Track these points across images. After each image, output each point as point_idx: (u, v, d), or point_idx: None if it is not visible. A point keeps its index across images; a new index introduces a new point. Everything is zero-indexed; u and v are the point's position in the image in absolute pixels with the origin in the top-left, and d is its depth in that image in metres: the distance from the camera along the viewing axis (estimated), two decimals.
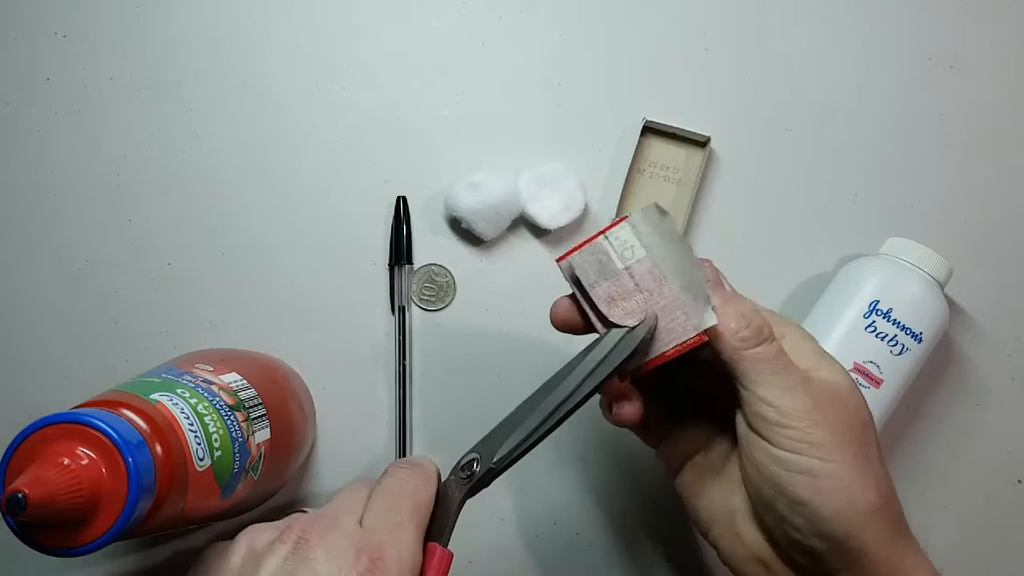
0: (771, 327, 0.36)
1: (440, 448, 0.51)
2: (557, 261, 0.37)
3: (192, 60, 0.52)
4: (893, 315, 0.47)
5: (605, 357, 0.35)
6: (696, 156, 0.53)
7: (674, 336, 0.36)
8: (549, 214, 0.51)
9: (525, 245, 0.53)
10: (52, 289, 0.51)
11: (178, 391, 0.36)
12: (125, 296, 0.51)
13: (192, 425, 0.35)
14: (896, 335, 0.47)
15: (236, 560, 0.33)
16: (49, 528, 0.30)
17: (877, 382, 0.47)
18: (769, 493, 0.35)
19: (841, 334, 0.47)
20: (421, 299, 0.52)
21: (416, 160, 0.53)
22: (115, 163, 0.52)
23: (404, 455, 0.51)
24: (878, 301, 0.47)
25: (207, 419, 0.36)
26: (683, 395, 0.41)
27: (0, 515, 0.29)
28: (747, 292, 0.38)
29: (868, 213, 0.54)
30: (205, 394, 0.37)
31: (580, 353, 0.37)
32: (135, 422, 0.32)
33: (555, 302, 0.39)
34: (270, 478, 0.43)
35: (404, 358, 0.51)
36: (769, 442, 0.35)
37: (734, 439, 0.39)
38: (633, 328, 0.36)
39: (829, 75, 0.54)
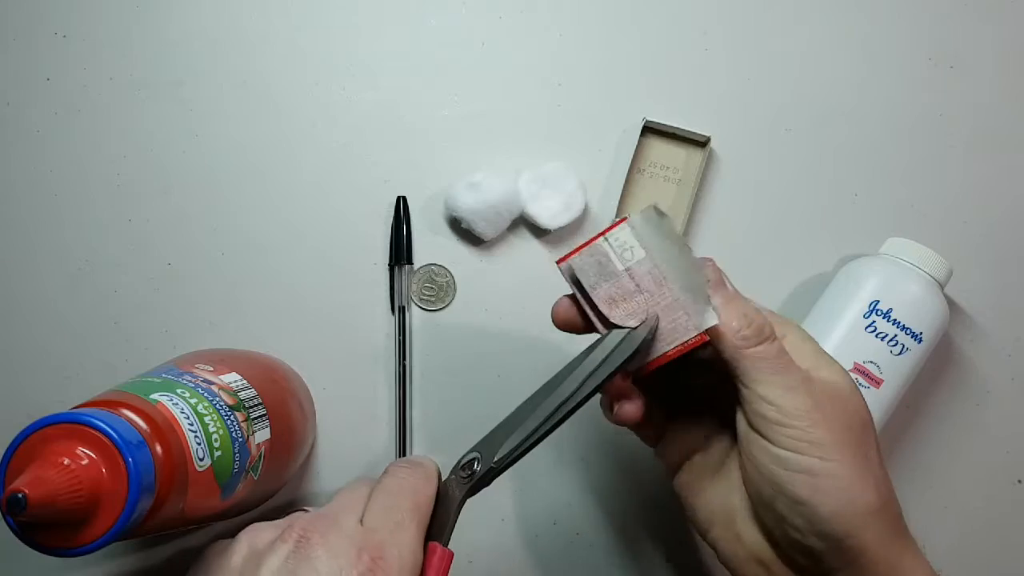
0: (772, 327, 0.36)
1: (440, 448, 0.51)
2: (557, 263, 0.37)
3: (192, 60, 0.52)
4: (893, 315, 0.47)
5: (606, 358, 0.35)
6: (696, 156, 0.53)
7: (676, 336, 0.36)
8: (549, 214, 0.51)
9: (525, 245, 0.53)
10: (52, 289, 0.51)
11: (178, 391, 0.36)
12: (125, 296, 0.51)
13: (192, 425, 0.35)
14: (896, 335, 0.47)
15: (237, 559, 0.33)
16: (49, 528, 0.30)
17: (877, 382, 0.47)
18: (769, 492, 0.35)
19: (841, 334, 0.47)
20: (421, 299, 0.52)
21: (416, 160, 0.53)
22: (115, 163, 0.52)
23: (404, 455, 0.51)
24: (878, 301, 0.47)
25: (207, 419, 0.36)
26: (683, 395, 0.41)
27: (0, 515, 0.29)
28: (747, 292, 0.38)
29: (868, 213, 0.54)
30: (205, 394, 0.37)
31: (581, 353, 0.37)
32: (135, 422, 0.32)
33: (556, 302, 0.39)
34: (270, 478, 0.43)
35: (404, 358, 0.51)
36: (769, 441, 0.35)
37: (733, 439, 0.39)
38: (634, 329, 0.36)
39: (829, 75, 0.54)
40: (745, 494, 0.38)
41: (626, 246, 0.36)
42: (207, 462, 0.35)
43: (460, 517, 0.36)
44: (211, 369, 0.41)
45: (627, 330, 0.36)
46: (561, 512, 0.52)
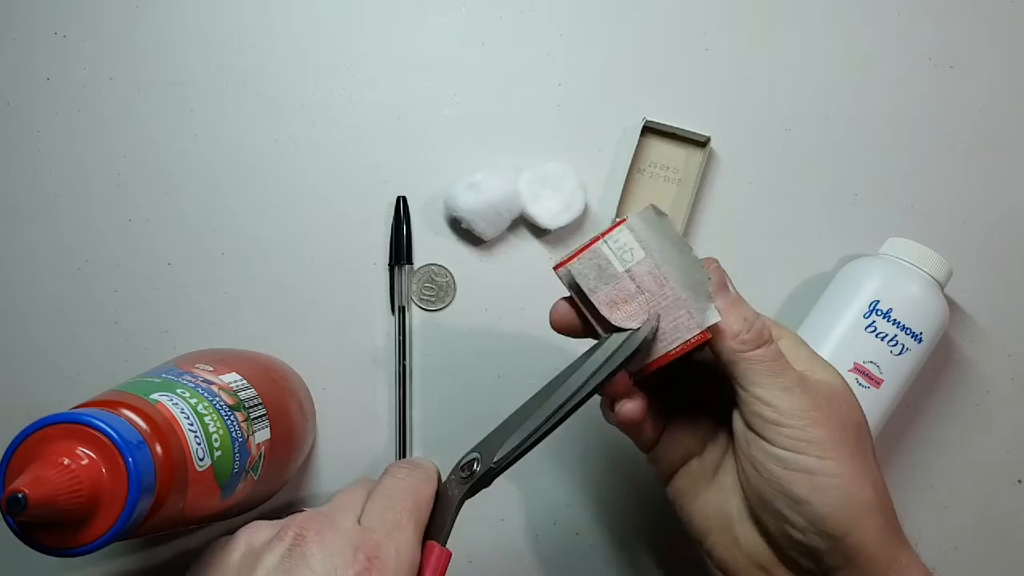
0: (770, 330, 0.36)
1: (440, 448, 0.51)
2: (555, 268, 0.37)
3: (192, 60, 0.52)
4: (893, 315, 0.47)
5: (608, 358, 0.35)
6: (696, 156, 0.53)
7: (677, 335, 0.36)
8: (549, 214, 0.51)
9: (525, 245, 0.53)
10: (52, 289, 0.51)
11: (178, 391, 0.36)
12: (125, 296, 0.51)
13: (192, 425, 0.35)
14: (896, 335, 0.47)
15: (235, 557, 0.33)
16: (49, 528, 0.30)
17: (877, 382, 0.47)
18: (768, 493, 0.35)
19: (841, 334, 0.47)
20: (421, 299, 0.52)
21: (416, 160, 0.53)
22: (115, 163, 0.52)
23: (404, 455, 0.51)
24: (878, 301, 0.47)
25: (207, 419, 0.36)
26: (678, 400, 0.41)
27: (0, 515, 0.29)
28: (747, 292, 0.38)
29: (868, 213, 0.54)
30: (205, 394, 0.37)
31: (583, 355, 0.37)
32: (135, 422, 0.32)
33: (553, 306, 0.39)
34: (270, 478, 0.43)
35: (404, 358, 0.51)
36: (768, 441, 0.35)
37: (728, 444, 0.39)
38: (636, 330, 0.36)
39: (829, 75, 0.54)
40: (742, 498, 0.38)
41: (626, 248, 0.36)
42: (207, 462, 0.35)
43: (460, 517, 0.36)
44: (211, 369, 0.41)
45: (629, 331, 0.36)
46: (561, 512, 0.52)
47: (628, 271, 0.36)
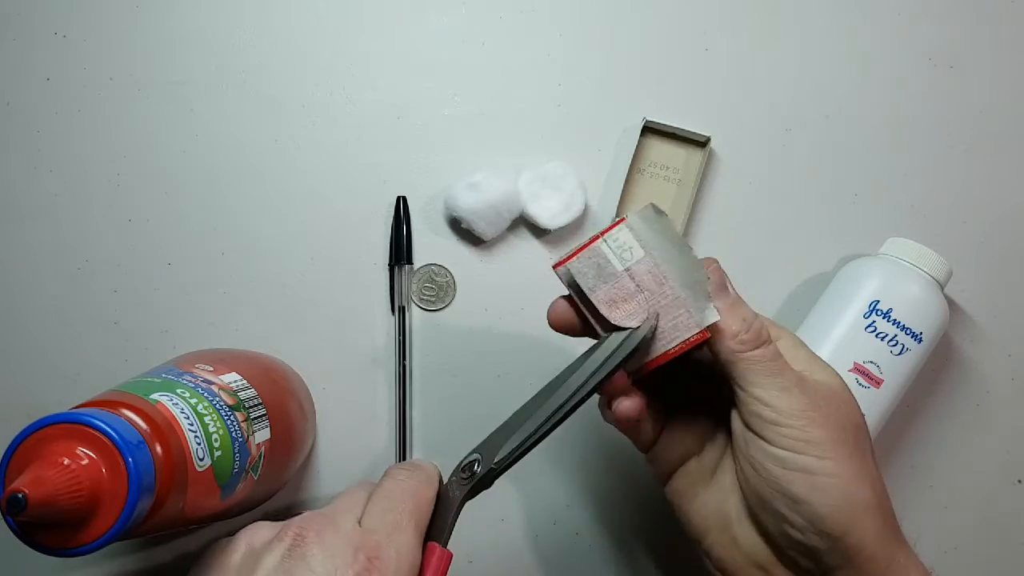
0: (768, 331, 0.36)
1: (440, 448, 0.51)
2: (554, 267, 0.37)
3: (192, 60, 0.52)
4: (893, 315, 0.47)
5: (608, 357, 0.35)
6: (696, 156, 0.53)
7: (676, 334, 0.36)
8: (549, 214, 0.51)
9: (525, 245, 0.53)
10: (52, 289, 0.51)
11: (178, 391, 0.36)
12: (125, 296, 0.51)
13: (192, 425, 0.35)
14: (896, 335, 0.47)
15: (235, 558, 0.33)
16: (49, 528, 0.30)
17: (877, 382, 0.47)
18: (767, 493, 0.35)
19: (841, 334, 0.47)
20: (421, 299, 0.52)
21: (416, 160, 0.53)
22: (115, 163, 0.52)
23: (404, 455, 0.51)
24: (878, 301, 0.47)
25: (207, 419, 0.36)
26: (676, 400, 0.41)
27: (0, 515, 0.29)
28: (747, 292, 0.38)
29: (868, 213, 0.54)
30: (205, 394, 0.37)
31: (583, 355, 0.37)
32: (135, 422, 0.32)
33: (552, 304, 0.39)
34: (270, 478, 0.43)
35: (404, 358, 0.51)
36: (767, 441, 0.35)
37: (726, 444, 0.39)
38: (635, 329, 0.36)
39: (829, 75, 0.54)
40: (740, 498, 0.38)
41: (625, 246, 0.36)
42: (207, 462, 0.35)
43: (460, 518, 0.36)
44: (211, 369, 0.41)
45: (628, 330, 0.36)
46: (561, 512, 0.52)
47: (627, 270, 0.36)
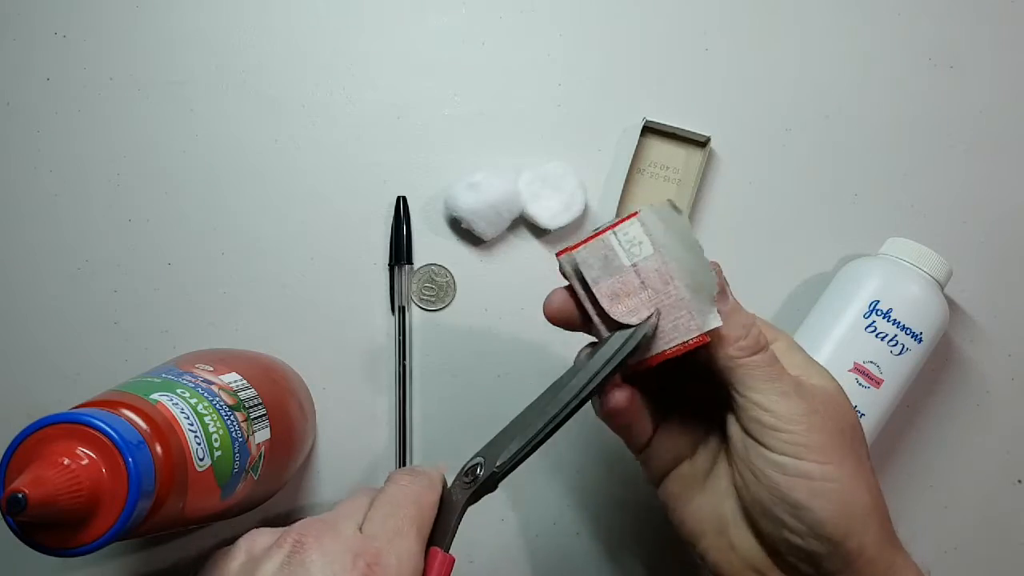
0: (766, 337, 0.36)
1: (440, 448, 0.51)
2: (558, 255, 0.36)
3: (192, 60, 0.52)
4: (893, 315, 0.47)
5: (611, 357, 0.35)
6: (696, 156, 0.53)
7: (676, 336, 0.35)
8: (549, 214, 0.51)
9: (525, 245, 0.53)
10: (52, 289, 0.51)
11: (178, 391, 0.36)
12: (125, 296, 0.51)
13: (192, 425, 0.35)
14: (896, 335, 0.47)
15: (235, 565, 0.33)
16: (49, 528, 0.30)
17: (877, 382, 0.47)
18: (767, 499, 0.35)
19: (841, 334, 0.47)
20: (421, 299, 0.52)
21: (416, 160, 0.53)
22: (115, 163, 0.52)
23: (404, 455, 0.51)
24: (878, 301, 0.47)
25: (207, 419, 0.36)
26: (671, 401, 0.40)
27: (0, 515, 0.29)
28: (747, 292, 0.38)
29: (868, 213, 0.54)
30: (205, 394, 0.37)
31: (585, 356, 0.36)
32: (135, 422, 0.32)
33: (550, 294, 0.38)
34: (270, 478, 0.43)
35: (404, 358, 0.51)
36: (766, 447, 0.35)
37: (720, 446, 0.39)
38: (636, 326, 0.35)
39: (829, 75, 0.54)
40: (736, 501, 0.38)
41: (635, 241, 0.35)
42: (207, 462, 0.35)
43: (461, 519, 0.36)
44: (211, 369, 0.41)
45: (631, 330, 0.35)
46: (561, 512, 0.52)
47: (634, 265, 0.35)
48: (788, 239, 0.54)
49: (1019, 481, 0.53)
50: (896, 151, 0.54)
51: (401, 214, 0.51)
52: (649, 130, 0.52)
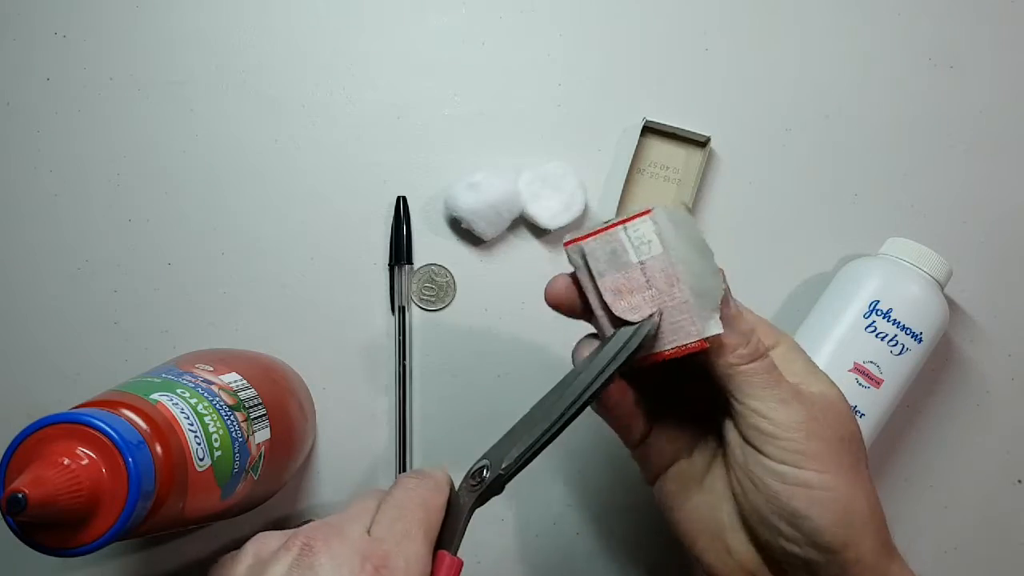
0: (767, 343, 0.36)
1: (440, 448, 0.51)
2: (565, 244, 0.36)
3: (192, 60, 0.52)
4: (893, 315, 0.47)
5: (615, 355, 0.35)
6: (696, 156, 0.53)
7: (674, 338, 0.35)
8: (549, 214, 0.51)
9: (525, 245, 0.53)
10: (52, 289, 0.51)
11: (178, 391, 0.36)
12: (125, 296, 0.51)
13: (192, 425, 0.35)
14: (896, 335, 0.47)
15: (242, 568, 0.33)
16: (49, 528, 0.30)
17: (877, 382, 0.47)
18: (765, 507, 0.35)
19: (841, 334, 0.47)
20: (421, 299, 0.52)
21: (416, 160, 0.53)
22: (115, 163, 0.52)
23: (404, 455, 0.51)
24: (878, 301, 0.47)
25: (207, 419, 0.36)
26: (667, 400, 0.40)
27: (0, 515, 0.28)
28: (747, 292, 0.38)
29: (868, 213, 0.54)
30: (205, 394, 0.37)
31: (587, 357, 0.36)
32: (135, 422, 0.32)
33: (553, 279, 0.37)
34: (270, 478, 0.43)
35: (404, 358, 0.51)
36: (765, 455, 0.34)
37: (717, 448, 0.39)
38: (637, 324, 0.35)
39: (829, 75, 0.54)
40: (733, 506, 0.37)
41: (644, 239, 0.35)
42: (207, 462, 0.35)
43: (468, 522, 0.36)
44: (211, 369, 0.41)
45: (634, 327, 0.35)
46: (561, 512, 0.52)
47: (641, 263, 0.35)
48: (788, 239, 0.54)
49: (1019, 481, 0.53)
50: (896, 151, 0.54)
51: (401, 214, 0.51)
52: (649, 130, 0.52)
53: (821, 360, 0.47)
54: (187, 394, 0.36)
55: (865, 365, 0.47)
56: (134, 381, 0.37)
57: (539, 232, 0.53)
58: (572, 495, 0.52)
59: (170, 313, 0.51)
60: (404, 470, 0.50)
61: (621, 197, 0.52)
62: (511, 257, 0.53)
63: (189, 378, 0.38)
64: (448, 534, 0.35)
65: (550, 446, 0.35)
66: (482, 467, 0.35)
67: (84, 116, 0.52)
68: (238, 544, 0.34)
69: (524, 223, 0.53)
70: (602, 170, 0.53)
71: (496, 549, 0.51)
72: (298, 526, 0.34)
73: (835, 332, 0.48)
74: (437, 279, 0.52)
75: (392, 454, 0.51)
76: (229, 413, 0.38)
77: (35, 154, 0.51)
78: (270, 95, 0.52)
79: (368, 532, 0.33)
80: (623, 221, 0.35)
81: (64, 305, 0.51)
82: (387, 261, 0.52)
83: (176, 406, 0.35)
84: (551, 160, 0.52)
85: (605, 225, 0.35)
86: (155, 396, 0.35)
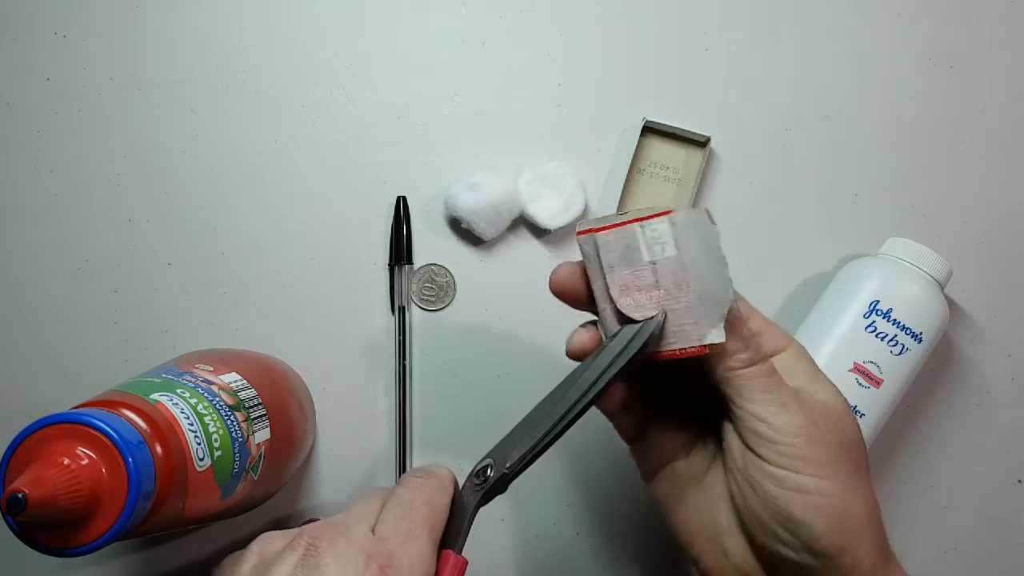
0: (768, 349, 0.36)
1: (440, 448, 0.51)
2: (579, 232, 0.36)
3: (192, 60, 0.52)
4: (893, 315, 0.47)
5: (619, 353, 0.34)
6: (696, 156, 0.53)
7: (676, 340, 0.35)
8: (549, 214, 0.51)
9: (525, 245, 0.53)
10: (52, 289, 0.51)
11: (178, 391, 0.36)
12: (125, 296, 0.51)
13: (192, 425, 0.35)
14: (896, 335, 0.47)
15: (247, 568, 0.33)
16: (49, 528, 0.30)
17: (877, 382, 0.47)
18: (762, 511, 0.35)
19: (841, 334, 0.47)
20: (421, 299, 0.52)
21: (416, 160, 0.53)
22: (115, 163, 0.52)
23: (404, 455, 0.51)
24: (878, 301, 0.47)
25: (207, 419, 0.36)
26: (666, 397, 0.40)
27: (0, 515, 0.28)
28: (747, 292, 0.38)
29: (868, 213, 0.54)
30: (205, 394, 0.37)
31: (590, 357, 0.36)
32: (135, 422, 0.32)
33: (560, 265, 0.37)
34: (270, 478, 0.43)
35: (404, 358, 0.51)
36: (764, 459, 0.34)
37: (716, 449, 0.39)
38: (642, 322, 0.35)
39: (829, 75, 0.54)
40: (731, 509, 0.37)
41: (660, 240, 0.34)
42: (207, 462, 0.35)
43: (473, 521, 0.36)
44: (211, 369, 0.41)
45: (638, 326, 0.35)
46: (561, 512, 0.52)
47: (653, 262, 0.34)
48: (788, 239, 0.54)
49: (1019, 481, 0.53)
50: (896, 151, 0.54)
51: (401, 214, 0.51)
52: (649, 130, 0.52)
53: (821, 360, 0.47)
54: (187, 394, 0.36)
55: (865, 365, 0.47)
56: (134, 381, 0.37)
57: (539, 232, 0.53)
58: (572, 495, 0.52)
59: (170, 313, 0.51)
60: (404, 470, 0.50)
61: (621, 197, 0.52)
62: (511, 257, 0.53)
63: (189, 378, 0.38)
64: (452, 533, 0.35)
65: (552, 447, 0.35)
66: (486, 466, 0.35)
67: (84, 116, 0.52)
68: (239, 544, 0.34)
69: (524, 223, 0.53)
70: (602, 170, 0.53)
71: (496, 549, 0.51)
72: (302, 525, 0.34)
73: (835, 332, 0.48)
74: (437, 279, 0.52)
75: (392, 454, 0.51)
76: (229, 413, 0.38)
77: (35, 154, 0.51)
78: (270, 95, 0.52)
79: (373, 531, 0.33)
80: (641, 218, 0.34)
81: (64, 305, 0.51)
82: (387, 261, 0.52)
83: (176, 406, 0.35)
84: (551, 160, 0.52)
85: (621, 219, 0.35)
86: (155, 396, 0.35)
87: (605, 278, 0.35)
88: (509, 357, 0.52)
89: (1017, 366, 0.54)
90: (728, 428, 0.37)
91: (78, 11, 0.52)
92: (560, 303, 0.38)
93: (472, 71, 0.53)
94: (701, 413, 0.39)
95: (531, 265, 0.52)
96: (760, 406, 0.34)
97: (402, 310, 0.51)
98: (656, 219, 0.34)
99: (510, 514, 0.52)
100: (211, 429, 0.36)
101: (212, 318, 0.51)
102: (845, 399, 0.36)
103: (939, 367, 0.53)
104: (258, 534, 0.34)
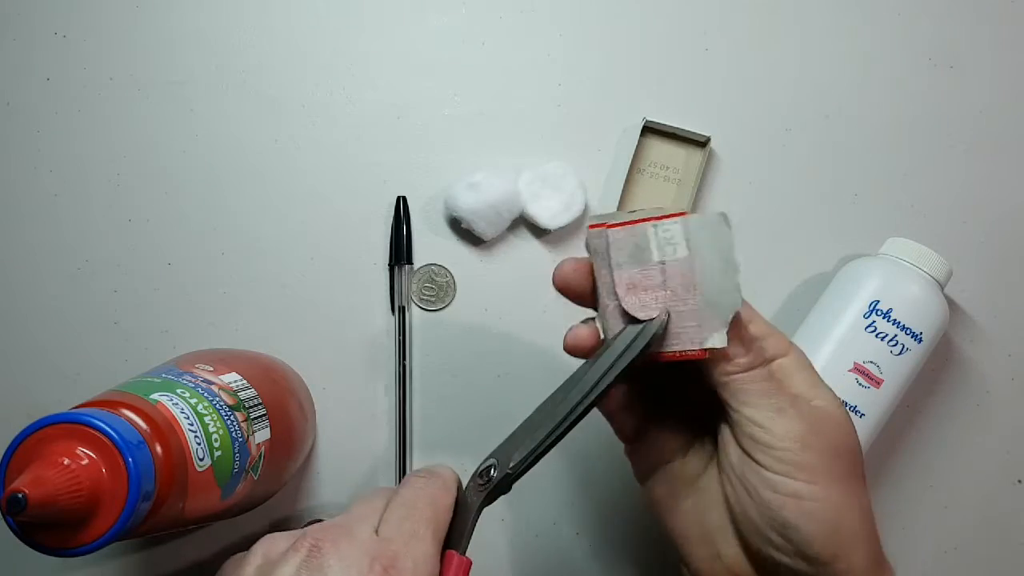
0: (768, 354, 0.35)
1: (440, 448, 0.51)
2: (590, 227, 0.35)
3: (192, 60, 0.52)
4: (893, 315, 0.47)
5: (621, 354, 0.34)
6: (696, 156, 0.53)
7: (677, 342, 0.35)
8: (549, 214, 0.51)
9: (525, 245, 0.53)
10: (52, 289, 0.51)
11: (178, 391, 0.36)
12: (125, 296, 0.51)
13: (192, 425, 0.35)
14: (896, 335, 0.47)
15: (250, 569, 0.32)
16: (49, 528, 0.30)
17: (877, 382, 0.47)
18: (756, 515, 0.35)
19: (841, 334, 0.47)
20: (421, 299, 0.52)
21: (416, 160, 0.53)
22: (115, 163, 0.52)
23: (404, 455, 0.51)
24: (878, 301, 0.47)
25: (207, 419, 0.36)
26: (664, 398, 0.40)
27: (0, 515, 0.28)
28: (747, 292, 0.37)
29: (868, 213, 0.54)
30: (205, 394, 0.37)
31: (591, 357, 0.36)
32: (135, 422, 0.32)
33: (564, 261, 0.37)
34: (270, 478, 0.43)
35: (404, 358, 0.51)
36: (759, 464, 0.34)
37: (713, 453, 0.38)
38: (644, 323, 0.35)
39: (829, 75, 0.54)
40: (725, 511, 0.37)
41: (671, 241, 0.34)
42: (207, 462, 0.35)
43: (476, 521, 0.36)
44: (211, 369, 0.41)
45: (641, 326, 0.35)
46: (561, 512, 0.52)
47: (662, 263, 0.34)
48: (788, 239, 0.54)
49: (1019, 481, 0.53)
50: (896, 151, 0.54)
51: (401, 214, 0.51)
52: (649, 130, 0.52)
53: (821, 360, 0.47)
54: (187, 394, 0.36)
55: (865, 365, 0.47)
56: (134, 381, 0.37)
57: (539, 232, 0.53)
58: (572, 495, 0.52)
59: (170, 313, 0.51)
60: (404, 470, 0.50)
61: (621, 197, 0.52)
62: (511, 257, 0.53)
63: (189, 378, 0.38)
64: (456, 533, 0.35)
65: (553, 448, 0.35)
66: (490, 466, 0.35)
67: (84, 116, 0.52)
68: (240, 545, 0.34)
69: (524, 223, 0.53)
70: (602, 170, 0.53)
71: (496, 549, 0.51)
72: (305, 526, 0.34)
73: (835, 332, 0.48)
74: (437, 279, 0.52)
75: (392, 454, 0.51)
76: (229, 413, 0.38)
77: (35, 154, 0.51)
78: (270, 95, 0.52)
79: (376, 532, 0.33)
80: (655, 218, 0.34)
81: (64, 305, 0.51)
82: (387, 261, 0.52)
83: (176, 406, 0.35)
84: (551, 160, 0.52)
85: (632, 217, 0.35)
86: (155, 396, 0.35)
87: (612, 275, 0.35)
88: (509, 357, 0.52)
89: (1017, 366, 0.54)
90: (725, 431, 0.36)
91: (78, 11, 0.52)
92: (561, 300, 0.38)
93: (472, 71, 0.53)
94: (699, 414, 0.39)
95: (531, 265, 0.52)
96: (757, 411, 0.34)
97: (402, 310, 0.51)
98: (668, 220, 0.34)
99: (510, 514, 0.52)
100: (211, 429, 0.36)
101: (212, 318, 0.51)
102: (843, 406, 0.36)
103: (939, 367, 0.53)
104: (258, 534, 0.34)
